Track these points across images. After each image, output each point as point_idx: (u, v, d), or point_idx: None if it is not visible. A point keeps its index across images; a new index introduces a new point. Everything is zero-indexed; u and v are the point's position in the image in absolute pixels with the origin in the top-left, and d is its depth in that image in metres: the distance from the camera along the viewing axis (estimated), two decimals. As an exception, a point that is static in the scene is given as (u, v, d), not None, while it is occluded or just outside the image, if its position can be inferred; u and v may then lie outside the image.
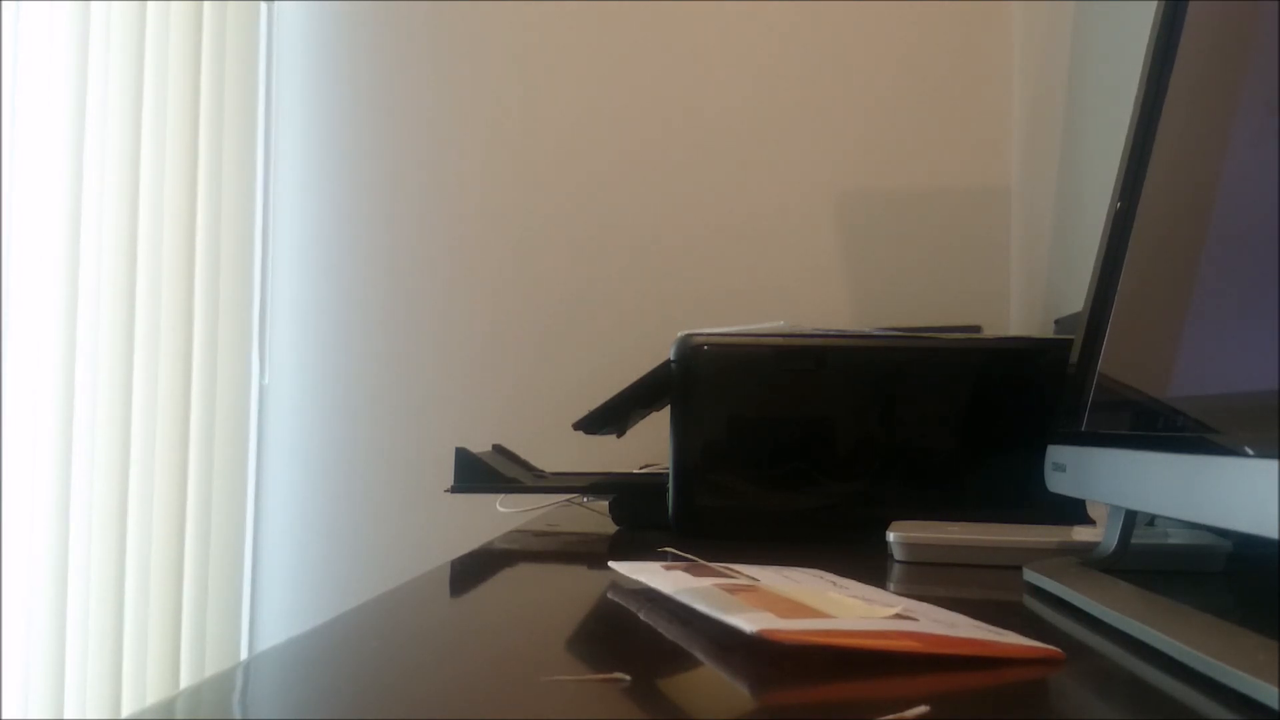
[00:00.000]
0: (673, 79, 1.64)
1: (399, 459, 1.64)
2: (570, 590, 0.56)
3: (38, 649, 1.25)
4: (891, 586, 0.57)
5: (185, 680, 1.46)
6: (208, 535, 1.53)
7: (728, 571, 0.52)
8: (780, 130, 1.62)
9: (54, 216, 1.29)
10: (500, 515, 1.08)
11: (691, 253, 1.62)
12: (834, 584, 0.51)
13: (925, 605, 0.46)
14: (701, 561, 0.56)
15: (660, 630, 0.44)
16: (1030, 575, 0.57)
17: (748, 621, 0.38)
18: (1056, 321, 1.29)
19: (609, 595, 0.53)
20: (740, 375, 0.81)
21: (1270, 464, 0.36)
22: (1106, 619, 0.46)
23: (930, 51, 1.60)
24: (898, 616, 0.41)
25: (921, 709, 0.31)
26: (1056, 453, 0.60)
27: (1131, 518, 0.57)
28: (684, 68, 1.64)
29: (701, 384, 0.82)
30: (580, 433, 0.91)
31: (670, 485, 0.82)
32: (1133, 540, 0.57)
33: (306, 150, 1.67)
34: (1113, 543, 0.57)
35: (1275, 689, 0.32)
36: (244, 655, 1.61)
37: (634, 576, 0.52)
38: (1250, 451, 0.38)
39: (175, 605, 1.45)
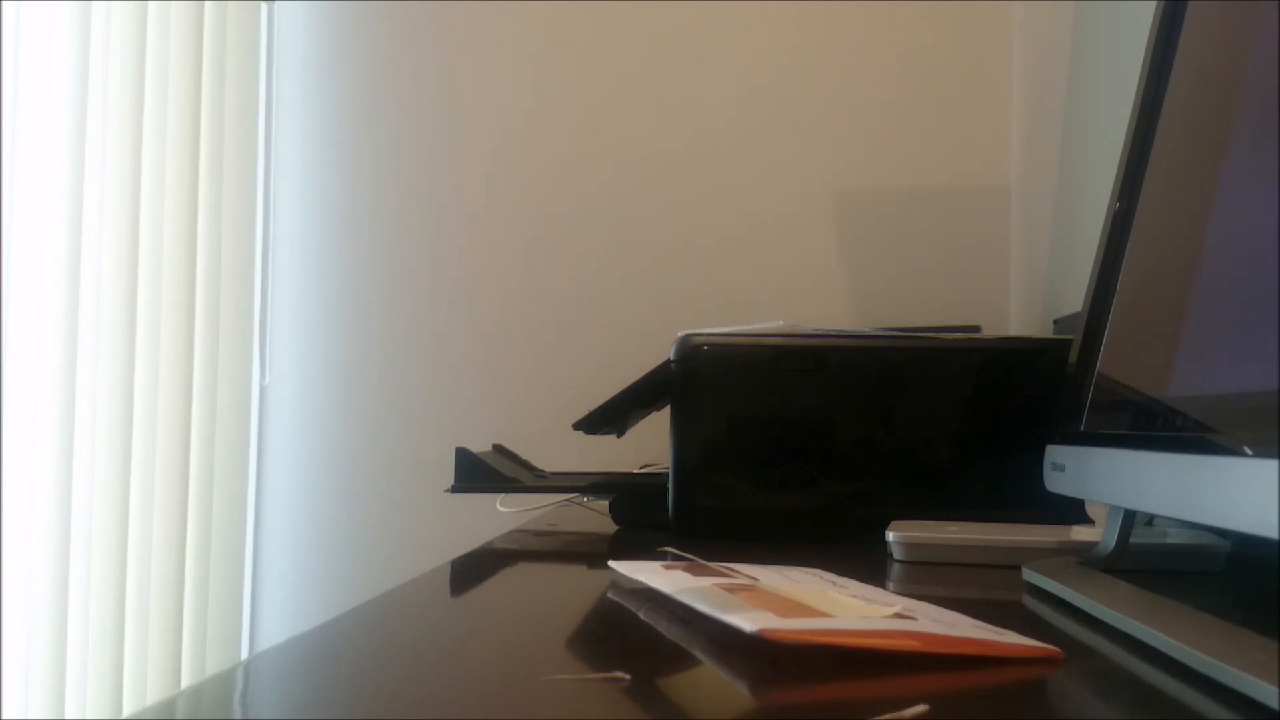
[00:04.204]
0: (672, 80, 1.64)
1: (399, 459, 1.64)
2: (570, 590, 0.56)
3: (38, 649, 1.25)
4: (891, 586, 0.57)
5: (186, 680, 1.46)
6: (208, 535, 1.53)
7: (727, 571, 0.52)
8: (780, 131, 1.62)
9: (55, 217, 1.29)
10: (500, 515, 1.08)
11: (691, 253, 1.62)
12: (834, 584, 0.51)
13: (925, 605, 0.46)
14: (701, 561, 0.56)
15: (660, 630, 0.44)
16: (1029, 575, 0.57)
17: (747, 621, 0.38)
18: (1056, 321, 1.29)
19: (609, 595, 0.53)
20: (740, 375, 0.81)
21: (1269, 464, 0.36)
22: (1105, 619, 0.46)
23: (930, 51, 1.60)
24: (897, 616, 0.42)
25: (920, 708, 0.31)
26: (1055, 452, 0.60)
27: (1130, 517, 0.57)
28: (684, 68, 1.64)
29: (701, 384, 0.82)
30: (580, 433, 0.91)
31: (670, 485, 0.82)
32: (1131, 540, 0.57)
33: (307, 151, 1.67)
34: (1111, 542, 0.57)
35: (1275, 689, 0.32)
36: (244, 655, 1.61)
37: (634, 576, 0.52)
38: (1249, 451, 0.38)
39: (176, 605, 1.45)
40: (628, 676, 0.36)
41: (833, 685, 0.35)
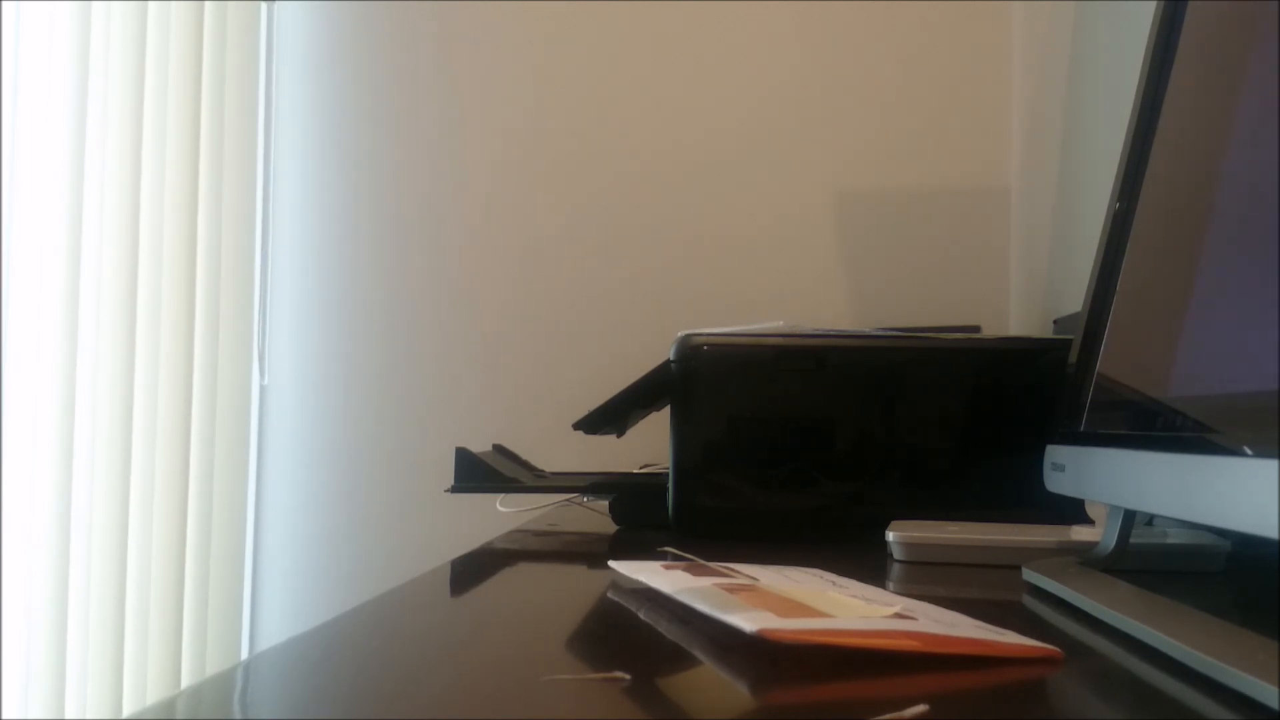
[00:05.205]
0: (672, 80, 1.64)
1: (399, 459, 1.64)
2: (570, 590, 0.56)
3: (38, 649, 1.25)
4: (891, 586, 0.57)
5: (186, 680, 1.46)
6: (208, 535, 1.53)
7: (728, 571, 0.52)
8: (780, 131, 1.62)
9: (55, 217, 1.29)
10: (500, 515, 1.08)
11: (692, 253, 1.62)
12: (834, 584, 0.51)
13: (925, 605, 0.46)
14: (701, 561, 0.56)
15: (660, 630, 0.44)
16: (1029, 575, 0.57)
17: (747, 621, 0.38)
18: (1056, 321, 1.29)
19: (609, 595, 0.53)
20: (740, 375, 0.81)
21: (1269, 464, 0.36)
22: (1106, 619, 0.46)
23: (930, 51, 1.60)
24: (897, 616, 0.42)
25: (920, 708, 0.31)
26: (1055, 452, 0.60)
27: (1130, 517, 0.57)
28: (684, 69, 1.64)
29: (701, 384, 0.82)
30: (580, 433, 0.91)
31: (670, 485, 0.82)
32: (1131, 540, 0.57)
33: (307, 150, 1.67)
34: (1111, 542, 0.57)
35: (1275, 689, 0.32)
36: (244, 655, 1.61)
37: (634, 576, 0.52)
38: (1249, 451, 0.38)
39: (176, 605, 1.45)
40: (628, 676, 0.36)
41: (833, 685, 0.35)
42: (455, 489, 0.90)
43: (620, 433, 0.95)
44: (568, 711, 0.32)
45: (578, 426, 0.90)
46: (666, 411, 0.84)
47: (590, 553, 0.73)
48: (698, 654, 0.40)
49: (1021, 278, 1.53)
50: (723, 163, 1.63)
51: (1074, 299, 1.23)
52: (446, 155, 1.66)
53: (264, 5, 1.65)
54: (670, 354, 0.83)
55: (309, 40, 1.68)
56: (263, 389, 1.66)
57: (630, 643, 0.42)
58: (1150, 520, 0.71)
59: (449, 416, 1.64)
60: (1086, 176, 1.23)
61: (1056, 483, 0.59)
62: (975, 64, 1.59)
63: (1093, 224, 1.18)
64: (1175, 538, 0.63)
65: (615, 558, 0.59)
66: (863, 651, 0.37)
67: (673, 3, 1.64)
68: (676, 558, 0.59)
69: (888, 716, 0.30)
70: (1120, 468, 0.49)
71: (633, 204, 1.63)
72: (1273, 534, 0.35)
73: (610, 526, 0.88)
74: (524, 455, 1.01)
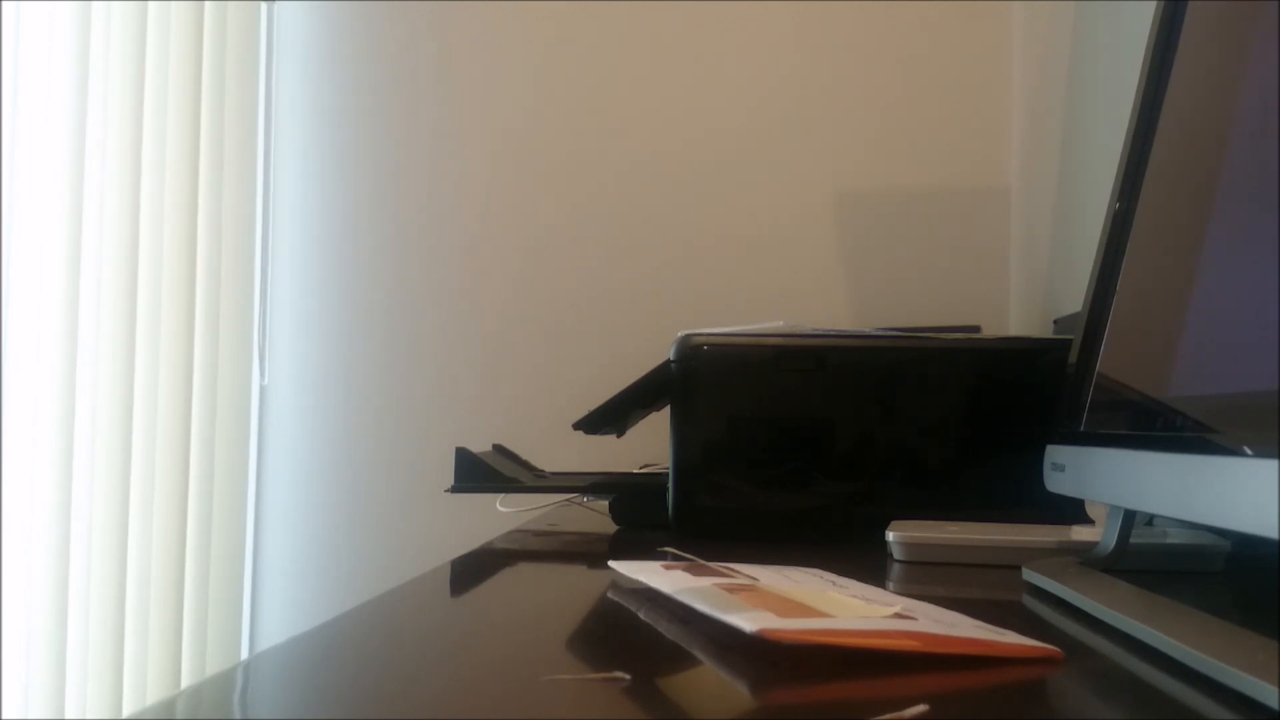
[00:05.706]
0: (673, 80, 1.64)
1: (399, 459, 1.64)
2: (570, 590, 0.56)
3: (38, 649, 1.25)
4: (891, 586, 0.57)
5: (186, 680, 1.46)
6: (208, 535, 1.53)
7: (727, 571, 0.52)
8: (780, 131, 1.62)
9: (55, 217, 1.29)
10: (500, 515, 1.08)
11: (692, 253, 1.62)
12: (834, 584, 0.51)
13: (925, 605, 0.46)
14: (701, 561, 0.56)
15: (660, 630, 0.44)
16: (1029, 575, 0.57)
17: (747, 621, 0.38)
18: (1056, 321, 1.29)
19: (609, 595, 0.53)
20: (740, 375, 0.81)
21: (1270, 464, 0.36)
22: (1106, 619, 0.46)
23: (930, 51, 1.60)
24: (897, 616, 0.42)
25: (920, 708, 0.31)
26: (1055, 452, 0.60)
27: (1130, 517, 0.57)
28: (684, 69, 1.64)
29: (701, 384, 0.82)
30: (580, 432, 0.91)
31: (670, 485, 0.82)
32: (1131, 540, 0.57)
33: (306, 151, 1.67)
34: (1111, 542, 0.57)
35: (1275, 689, 0.32)
36: (244, 655, 1.61)
37: (634, 576, 0.52)
38: (1249, 451, 0.38)
39: (176, 605, 1.45)
40: (628, 676, 0.36)
41: (833, 685, 0.35)
42: (455, 489, 0.90)
43: (620, 433, 0.95)
44: (568, 711, 0.32)
45: (578, 426, 0.90)
46: (666, 411, 0.84)
47: (590, 553, 0.73)
48: (698, 654, 0.40)
49: (1021, 278, 1.53)
50: (723, 163, 1.63)
51: (1074, 299, 1.23)
52: (447, 155, 1.66)
53: (264, 5, 1.65)
54: (670, 354, 0.83)
55: (309, 40, 1.68)
56: (263, 389, 1.66)
57: (630, 643, 0.42)
58: (1150, 520, 0.71)
59: (449, 416, 1.64)
60: (1086, 176, 1.23)
61: (1056, 483, 0.59)
62: (975, 64, 1.59)
63: (1093, 224, 1.18)
64: (1175, 538, 0.63)
65: (615, 558, 0.59)
66: (863, 651, 0.37)
67: (673, 3, 1.64)
68: (676, 558, 0.59)
69: (888, 716, 0.30)
70: (1120, 468, 0.49)
71: (633, 204, 1.63)
72: (1273, 534, 0.35)
73: (610, 526, 0.88)
74: (524, 455, 1.01)
